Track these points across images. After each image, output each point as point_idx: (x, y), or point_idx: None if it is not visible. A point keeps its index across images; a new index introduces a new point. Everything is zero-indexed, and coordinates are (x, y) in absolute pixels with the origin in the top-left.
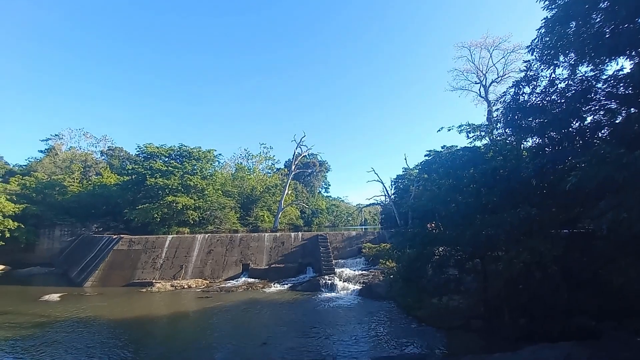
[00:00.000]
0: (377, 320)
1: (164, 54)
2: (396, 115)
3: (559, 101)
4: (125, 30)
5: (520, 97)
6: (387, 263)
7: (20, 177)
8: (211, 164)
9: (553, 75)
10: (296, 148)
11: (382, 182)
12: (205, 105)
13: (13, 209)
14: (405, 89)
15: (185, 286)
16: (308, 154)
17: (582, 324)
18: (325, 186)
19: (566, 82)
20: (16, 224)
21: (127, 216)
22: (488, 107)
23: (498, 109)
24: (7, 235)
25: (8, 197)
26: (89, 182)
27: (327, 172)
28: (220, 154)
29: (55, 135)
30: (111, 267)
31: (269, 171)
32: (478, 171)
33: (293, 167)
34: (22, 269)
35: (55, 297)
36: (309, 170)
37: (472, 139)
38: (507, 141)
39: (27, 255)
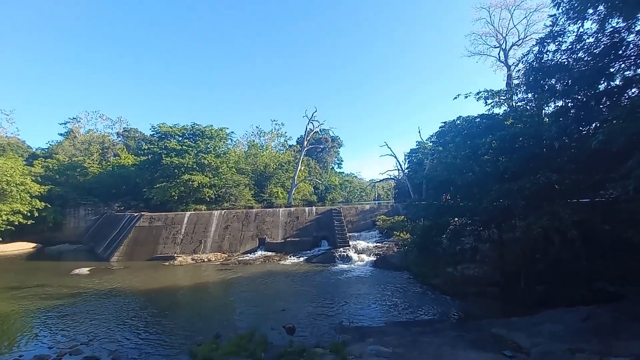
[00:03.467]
0: (392, 288)
1: (170, 31)
2: (410, 88)
3: (586, 58)
4: (132, 10)
5: (544, 55)
6: (401, 235)
7: (43, 159)
8: (224, 142)
9: (581, 30)
10: (308, 124)
11: (395, 157)
12: (215, 84)
13: (39, 189)
14: (419, 58)
15: (205, 259)
16: (320, 130)
17: (603, 289)
18: (338, 162)
19: (594, 37)
20: (43, 204)
21: (146, 195)
22: (508, 71)
23: (519, 70)
24: (36, 214)
25: (33, 178)
26: (108, 163)
27: (339, 147)
28: (232, 132)
29: (73, 118)
30: (135, 243)
31: (282, 148)
32: (496, 138)
33: (305, 143)
34: (52, 246)
35: (84, 271)
36: (321, 146)
37: (490, 105)
38: (528, 107)
39: (55, 233)
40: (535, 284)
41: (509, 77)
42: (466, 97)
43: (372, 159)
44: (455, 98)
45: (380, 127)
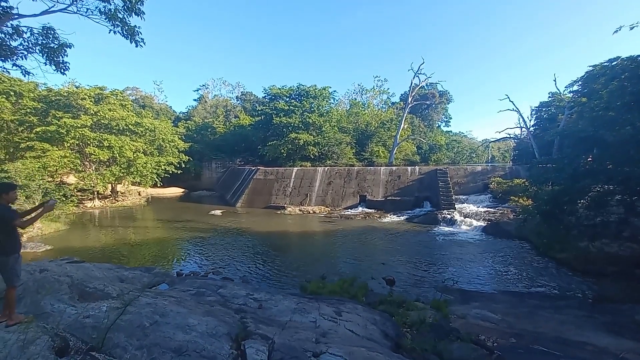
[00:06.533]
0: (504, 258)
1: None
2: (544, 28)
3: None
4: None
5: None
6: (521, 200)
7: (184, 121)
8: (327, 101)
9: None
10: (413, 78)
11: (518, 112)
12: (320, 41)
13: (183, 146)
14: None
15: (311, 211)
16: (426, 84)
17: None
18: (445, 119)
19: None
20: (187, 157)
21: (260, 152)
22: None
23: None
24: (183, 166)
25: (179, 137)
26: (230, 124)
27: (448, 103)
28: (334, 91)
29: (203, 85)
30: (253, 193)
31: (384, 105)
32: None
33: (409, 99)
34: (195, 192)
35: (218, 212)
36: (427, 103)
37: None
38: None
39: (196, 182)
40: None
41: None
42: (632, 28)
43: (487, 117)
44: (616, 32)
45: (500, 79)
